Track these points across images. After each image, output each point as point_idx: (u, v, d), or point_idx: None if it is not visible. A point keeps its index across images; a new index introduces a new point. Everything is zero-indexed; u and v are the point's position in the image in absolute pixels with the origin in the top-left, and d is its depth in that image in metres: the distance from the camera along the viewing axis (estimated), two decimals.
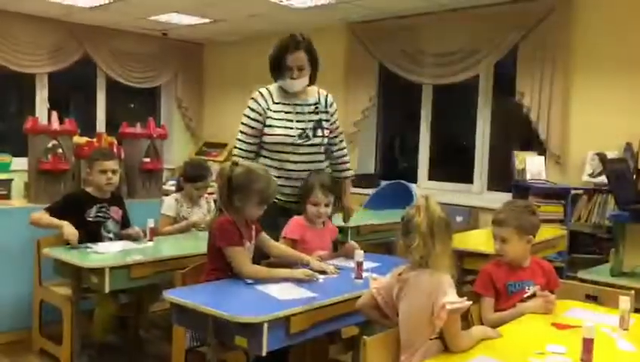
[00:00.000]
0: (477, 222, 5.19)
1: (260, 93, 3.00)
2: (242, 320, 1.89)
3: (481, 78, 5.50)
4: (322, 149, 3.05)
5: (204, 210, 3.74)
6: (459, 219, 5.10)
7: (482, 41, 5.25)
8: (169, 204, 3.68)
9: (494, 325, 2.04)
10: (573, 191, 4.52)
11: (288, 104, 2.98)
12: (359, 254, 2.52)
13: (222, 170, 2.46)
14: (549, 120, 4.88)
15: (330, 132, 3.11)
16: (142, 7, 5.80)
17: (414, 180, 5.93)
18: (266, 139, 2.95)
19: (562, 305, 2.26)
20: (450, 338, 1.77)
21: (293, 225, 2.84)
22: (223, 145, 7.12)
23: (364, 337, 1.75)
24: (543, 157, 4.88)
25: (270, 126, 2.94)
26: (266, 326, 1.91)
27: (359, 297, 2.09)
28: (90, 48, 6.68)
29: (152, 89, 7.47)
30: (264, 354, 1.92)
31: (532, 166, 4.81)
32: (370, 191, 5.80)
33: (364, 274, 2.46)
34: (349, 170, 3.23)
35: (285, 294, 2.19)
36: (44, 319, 3.44)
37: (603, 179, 4.53)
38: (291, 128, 2.94)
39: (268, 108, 2.96)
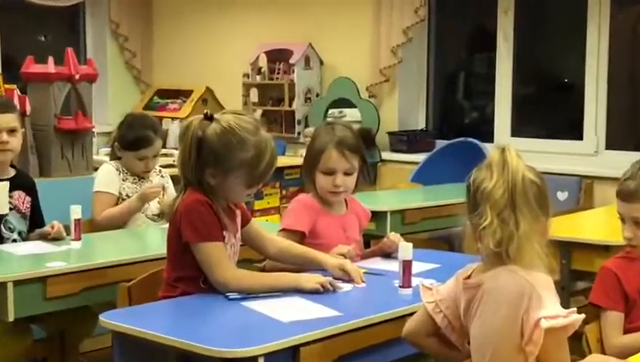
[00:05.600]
0: (591, 198, 5.18)
1: None
2: (225, 355, 1.90)
3: None
4: None
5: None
6: (562, 195, 5.10)
7: None
8: (107, 175, 3.77)
9: (624, 353, 2.05)
10: None
11: None
12: (405, 250, 2.49)
13: (187, 128, 2.47)
14: None
15: None
16: None
17: (489, 138, 5.86)
18: None
19: None
20: None
21: (298, 209, 2.86)
22: (187, 93, 7.11)
23: None
24: None
25: None
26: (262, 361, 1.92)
27: (407, 316, 2.11)
28: None
29: (71, 9, 7.41)
30: None
31: None
32: (421, 156, 5.76)
33: (414, 281, 2.44)
34: None
35: (291, 313, 2.19)
36: None
37: None
38: None
39: None
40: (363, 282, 2.55)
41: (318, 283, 2.40)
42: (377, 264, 2.81)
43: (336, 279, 2.49)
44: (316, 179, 2.85)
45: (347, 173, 2.84)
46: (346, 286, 2.48)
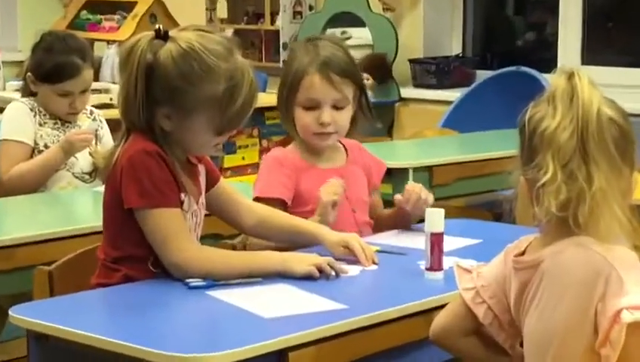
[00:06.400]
0: None
1: None
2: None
3: None
4: None
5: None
6: None
7: None
8: (17, 118, 3.76)
9: None
10: None
11: None
12: (435, 219, 2.44)
13: (131, 50, 2.41)
14: None
15: None
16: None
17: (550, 68, 5.79)
18: None
19: None
20: None
21: (269, 168, 2.86)
22: (128, 6, 7.08)
23: None
24: None
25: None
26: None
27: (437, 310, 2.11)
28: None
29: None
30: None
31: None
32: (455, 93, 5.78)
33: (447, 262, 2.39)
34: None
35: (276, 306, 2.18)
36: None
37: None
38: None
39: None
40: (375, 263, 2.52)
41: (313, 265, 2.36)
42: (395, 239, 2.78)
43: (337, 259, 2.45)
44: (296, 117, 2.85)
45: (337, 107, 2.82)
46: (351, 270, 2.45)
